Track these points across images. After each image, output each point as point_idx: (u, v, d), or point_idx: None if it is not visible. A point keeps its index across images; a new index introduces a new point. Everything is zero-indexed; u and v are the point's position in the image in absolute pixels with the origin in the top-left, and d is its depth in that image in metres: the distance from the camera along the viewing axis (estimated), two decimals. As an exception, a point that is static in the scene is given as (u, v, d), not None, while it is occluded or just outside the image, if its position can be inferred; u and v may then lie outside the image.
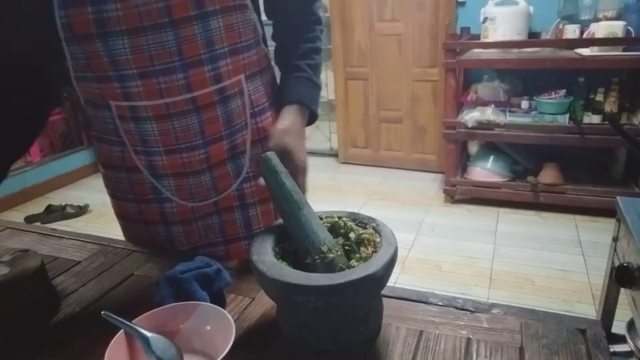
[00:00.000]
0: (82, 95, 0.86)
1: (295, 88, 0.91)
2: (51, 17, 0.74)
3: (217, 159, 0.89)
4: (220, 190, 0.93)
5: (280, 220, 0.70)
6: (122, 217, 0.99)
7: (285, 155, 0.76)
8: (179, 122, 0.82)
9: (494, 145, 3.20)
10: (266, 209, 0.98)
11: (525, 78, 3.10)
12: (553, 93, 2.85)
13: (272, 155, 0.67)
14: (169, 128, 0.83)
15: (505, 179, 3.09)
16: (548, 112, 2.83)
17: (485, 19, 2.97)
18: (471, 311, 0.72)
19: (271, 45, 0.96)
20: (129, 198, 0.94)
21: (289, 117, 0.86)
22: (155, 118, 0.82)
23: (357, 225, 0.71)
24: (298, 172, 0.78)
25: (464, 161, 3.33)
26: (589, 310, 2.10)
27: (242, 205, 0.96)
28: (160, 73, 0.78)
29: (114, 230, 1.03)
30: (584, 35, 2.83)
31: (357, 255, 0.67)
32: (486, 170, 3.12)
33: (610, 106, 2.74)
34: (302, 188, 0.77)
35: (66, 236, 1.03)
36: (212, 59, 0.80)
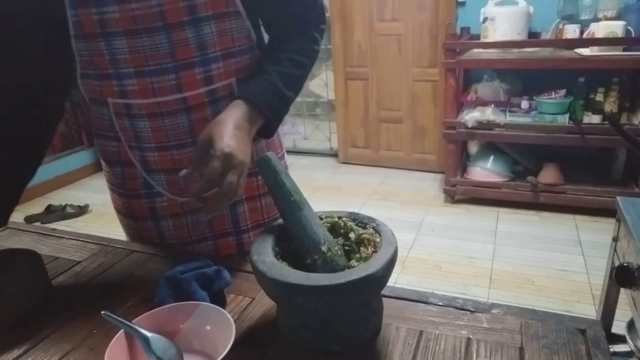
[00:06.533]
0: (86, 93, 0.90)
1: (249, 86, 0.84)
2: (64, 16, 0.78)
3: None
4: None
5: (280, 220, 0.70)
6: (118, 211, 1.03)
7: (208, 144, 0.73)
8: (170, 121, 0.86)
9: (494, 145, 3.20)
10: (253, 207, 1.00)
11: (525, 78, 3.10)
12: (553, 93, 2.85)
13: (272, 155, 0.67)
14: (160, 126, 0.86)
15: (505, 179, 3.09)
16: (548, 112, 2.83)
17: (485, 19, 2.97)
18: (471, 311, 0.72)
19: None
20: (121, 193, 0.97)
21: (227, 111, 0.79)
22: (147, 116, 0.85)
23: (357, 225, 0.71)
24: (213, 159, 0.71)
25: (464, 161, 3.33)
26: (589, 310, 2.10)
27: None
28: (153, 73, 0.81)
29: (114, 230, 1.04)
30: (584, 35, 2.83)
31: (357, 255, 0.67)
32: (486, 170, 3.12)
33: (610, 106, 2.74)
34: (231, 185, 0.70)
35: (66, 236, 1.03)
36: (204, 62, 0.83)
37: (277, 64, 0.87)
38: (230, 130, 0.75)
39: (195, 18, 0.79)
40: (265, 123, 0.85)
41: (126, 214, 0.99)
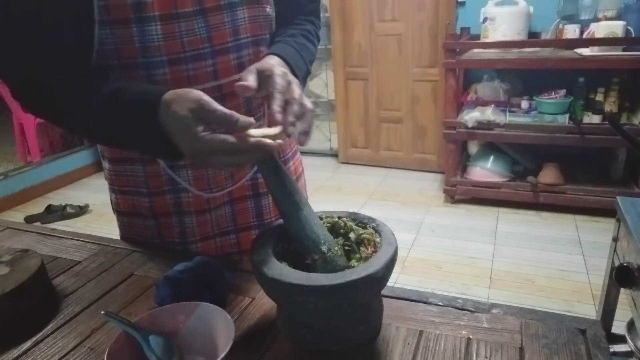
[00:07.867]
0: None
1: (274, 47, 0.86)
2: (88, 1, 0.72)
3: None
4: (236, 180, 0.94)
5: (280, 220, 0.70)
6: (130, 213, 0.96)
7: (266, 71, 0.70)
8: None
9: (494, 145, 3.20)
10: None
11: (525, 78, 3.10)
12: (553, 93, 2.85)
13: (272, 155, 0.67)
14: None
15: (505, 179, 3.09)
16: (548, 112, 2.83)
17: (485, 19, 2.97)
18: (471, 311, 0.72)
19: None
20: (142, 192, 0.92)
21: (265, 59, 0.78)
22: None
23: (357, 225, 0.71)
24: (274, 76, 0.69)
25: (464, 161, 3.33)
26: (589, 310, 2.10)
27: (255, 194, 0.97)
28: (190, 59, 0.80)
29: (114, 230, 1.03)
30: (584, 35, 2.83)
31: (357, 255, 0.67)
32: (486, 170, 3.12)
33: (610, 106, 2.74)
34: (302, 96, 0.70)
35: (66, 236, 1.03)
36: (237, 47, 0.84)
37: (291, 36, 0.90)
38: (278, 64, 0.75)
39: (231, 2, 0.80)
40: None
41: (146, 214, 0.93)
